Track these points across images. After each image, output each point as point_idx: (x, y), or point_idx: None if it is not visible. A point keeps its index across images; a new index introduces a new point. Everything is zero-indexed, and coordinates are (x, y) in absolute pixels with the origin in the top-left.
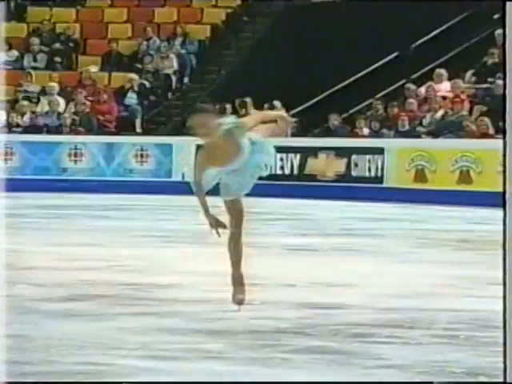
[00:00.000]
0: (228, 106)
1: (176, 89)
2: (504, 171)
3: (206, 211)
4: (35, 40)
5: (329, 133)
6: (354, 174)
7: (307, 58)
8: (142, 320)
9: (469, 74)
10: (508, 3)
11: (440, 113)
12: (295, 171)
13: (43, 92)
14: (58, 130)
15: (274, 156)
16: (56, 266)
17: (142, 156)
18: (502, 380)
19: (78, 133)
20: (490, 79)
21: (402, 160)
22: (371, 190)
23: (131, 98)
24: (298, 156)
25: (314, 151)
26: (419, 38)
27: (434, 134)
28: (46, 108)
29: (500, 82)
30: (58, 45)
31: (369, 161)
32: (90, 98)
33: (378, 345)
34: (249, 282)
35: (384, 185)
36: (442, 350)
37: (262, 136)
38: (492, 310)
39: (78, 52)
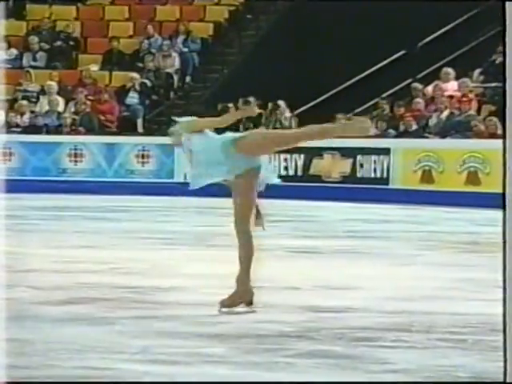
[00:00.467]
0: (231, 106)
1: (178, 88)
2: (504, 172)
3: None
4: (34, 38)
5: None
6: (359, 174)
7: (312, 57)
8: (143, 323)
9: (477, 72)
10: (508, 3)
11: (447, 112)
12: (299, 172)
13: (43, 91)
14: (57, 130)
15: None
16: (55, 268)
17: (143, 156)
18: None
19: (78, 133)
20: (498, 78)
21: (409, 161)
22: (377, 191)
23: (132, 98)
24: (303, 156)
25: (318, 151)
26: (426, 36)
27: (441, 134)
28: (46, 108)
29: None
30: (57, 43)
31: (374, 161)
32: (90, 98)
33: (383, 349)
34: (252, 284)
35: (390, 186)
36: (448, 354)
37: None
38: (499, 314)
39: (78, 50)
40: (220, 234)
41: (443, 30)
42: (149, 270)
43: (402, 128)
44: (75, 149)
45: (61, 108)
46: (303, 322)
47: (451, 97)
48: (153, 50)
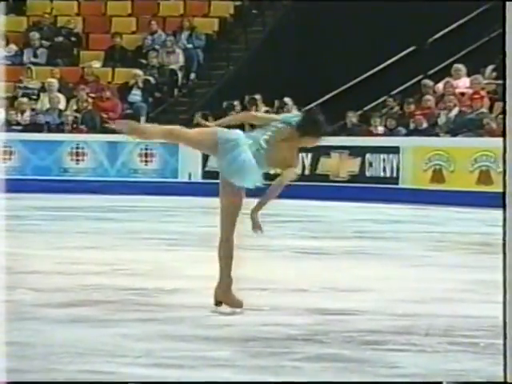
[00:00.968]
0: (237, 103)
1: (182, 85)
2: (504, 171)
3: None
4: (35, 34)
5: (342, 131)
6: (368, 174)
7: (319, 53)
8: (147, 326)
9: (489, 69)
10: (508, 3)
11: (458, 110)
12: (307, 171)
13: (44, 89)
14: (59, 128)
15: None
16: (57, 270)
17: (146, 155)
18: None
19: (80, 131)
20: None
21: (419, 159)
22: (386, 190)
23: (135, 95)
24: (310, 155)
25: (326, 150)
26: (437, 32)
27: (452, 132)
28: (47, 105)
29: None
30: (59, 39)
31: (384, 160)
32: (92, 95)
33: (392, 352)
34: (258, 286)
35: (399, 185)
36: (459, 358)
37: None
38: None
39: (80, 47)
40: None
41: (454, 25)
42: (152, 271)
43: (411, 126)
44: (77, 147)
45: (62, 106)
46: (311, 325)
47: (462, 94)
48: (156, 47)
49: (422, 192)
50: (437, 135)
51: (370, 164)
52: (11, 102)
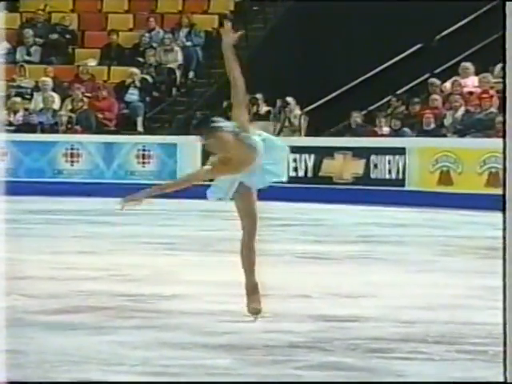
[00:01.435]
0: None
1: (181, 84)
2: (504, 172)
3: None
4: (29, 31)
5: (346, 132)
6: (373, 176)
7: (323, 51)
8: (144, 334)
9: (498, 67)
10: (508, 3)
11: (466, 110)
12: (309, 173)
13: (37, 88)
14: (53, 128)
15: (286, 150)
16: (51, 275)
17: (144, 157)
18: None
19: (74, 132)
20: None
21: (425, 161)
22: (391, 193)
23: (132, 94)
24: (313, 156)
25: (329, 151)
26: (444, 29)
27: (460, 132)
28: (41, 105)
29: None
30: (53, 36)
31: (389, 162)
32: (87, 95)
33: (398, 361)
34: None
35: (405, 188)
36: (468, 367)
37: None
38: None
39: (75, 44)
40: (225, 239)
41: (463, 21)
42: (150, 276)
43: (418, 126)
44: (72, 148)
45: (56, 105)
46: (313, 332)
47: (471, 93)
48: (154, 44)
49: (428, 195)
50: (444, 136)
51: (375, 166)
52: (4, 101)
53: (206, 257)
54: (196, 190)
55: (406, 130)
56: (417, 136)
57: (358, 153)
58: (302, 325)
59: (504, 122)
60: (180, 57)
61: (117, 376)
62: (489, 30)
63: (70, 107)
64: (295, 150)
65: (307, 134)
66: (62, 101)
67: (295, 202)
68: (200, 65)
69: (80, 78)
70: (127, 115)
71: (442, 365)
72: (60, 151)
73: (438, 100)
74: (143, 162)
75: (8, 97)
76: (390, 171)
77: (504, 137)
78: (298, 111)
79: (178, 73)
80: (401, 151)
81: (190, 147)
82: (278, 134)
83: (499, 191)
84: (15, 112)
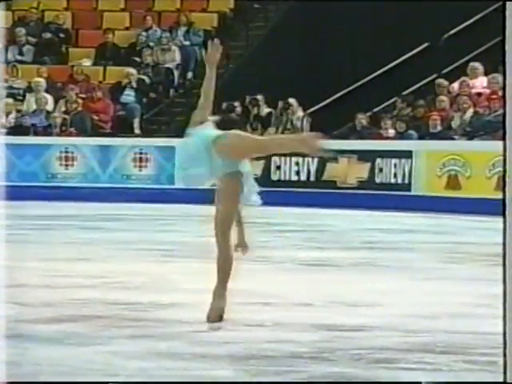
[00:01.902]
0: (237, 104)
1: (179, 85)
2: (504, 175)
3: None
4: (21, 30)
5: (351, 134)
6: (378, 180)
7: (326, 50)
8: (141, 343)
9: None
10: (508, 3)
11: (475, 111)
12: (312, 177)
13: (30, 88)
14: (46, 130)
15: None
16: (44, 283)
17: (140, 160)
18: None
19: (69, 134)
20: None
21: (432, 165)
22: (397, 198)
23: (129, 96)
24: (316, 160)
25: (333, 155)
26: (452, 28)
27: (469, 135)
28: (33, 106)
29: None
30: (46, 35)
31: (395, 165)
32: (82, 96)
33: (405, 371)
34: (260, 300)
35: (412, 192)
36: (477, 378)
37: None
38: None
39: (69, 44)
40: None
41: (471, 20)
42: (147, 284)
43: (424, 129)
44: (66, 152)
45: (50, 107)
46: (317, 342)
47: (479, 94)
48: (151, 44)
49: (436, 199)
50: (452, 138)
51: (381, 169)
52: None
53: (206, 264)
54: (194, 195)
55: (412, 132)
56: (423, 139)
57: (363, 156)
58: (305, 334)
59: (504, 124)
60: (178, 56)
61: None
62: (498, 28)
63: (63, 109)
64: (297, 153)
65: None
66: (56, 102)
67: (297, 207)
68: (199, 65)
69: (74, 78)
70: (123, 117)
71: (449, 375)
72: (54, 154)
73: (445, 101)
74: (140, 166)
75: None
76: (395, 175)
77: (504, 139)
78: (300, 113)
79: (176, 73)
80: (407, 154)
81: None
82: None
83: None
84: (7, 114)
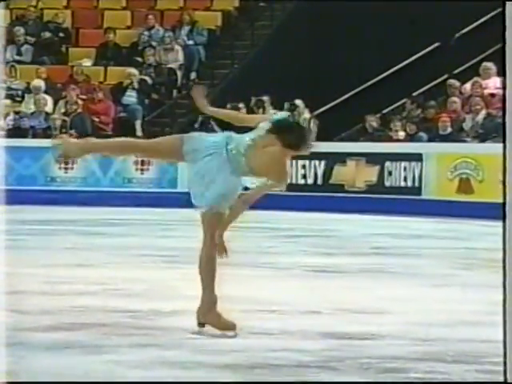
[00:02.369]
0: (242, 106)
1: (182, 85)
2: (504, 179)
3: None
4: (20, 29)
5: (360, 136)
6: (387, 183)
7: (333, 50)
8: (142, 352)
9: None
10: (508, 3)
11: (487, 113)
12: (319, 180)
13: (29, 89)
14: (45, 133)
15: None
16: (43, 290)
17: (142, 163)
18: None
19: (69, 136)
20: None
21: (444, 168)
22: (407, 202)
23: (130, 97)
24: (323, 163)
25: (341, 157)
26: (464, 27)
27: (481, 137)
28: (32, 108)
29: None
30: (45, 35)
31: (404, 169)
32: (82, 97)
33: (415, 381)
34: (265, 308)
35: (422, 196)
36: None
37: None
38: None
39: (68, 43)
40: (228, 251)
41: (483, 18)
42: (148, 291)
43: (435, 131)
44: None
45: (49, 108)
46: (324, 351)
47: (492, 95)
48: (153, 43)
49: (447, 204)
50: (463, 141)
51: (390, 173)
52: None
53: None
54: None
55: (423, 134)
56: (434, 141)
57: (372, 159)
58: (312, 343)
59: (504, 126)
60: (181, 56)
61: None
62: None
63: (63, 110)
64: (304, 156)
65: (317, 139)
66: (55, 103)
67: (304, 212)
68: (202, 65)
69: (74, 79)
70: (125, 119)
71: None
72: (53, 157)
73: (457, 103)
74: (142, 169)
75: None
76: (405, 179)
77: (504, 141)
78: (307, 115)
79: (178, 73)
80: (417, 157)
81: None
82: None
83: None
84: (5, 115)
